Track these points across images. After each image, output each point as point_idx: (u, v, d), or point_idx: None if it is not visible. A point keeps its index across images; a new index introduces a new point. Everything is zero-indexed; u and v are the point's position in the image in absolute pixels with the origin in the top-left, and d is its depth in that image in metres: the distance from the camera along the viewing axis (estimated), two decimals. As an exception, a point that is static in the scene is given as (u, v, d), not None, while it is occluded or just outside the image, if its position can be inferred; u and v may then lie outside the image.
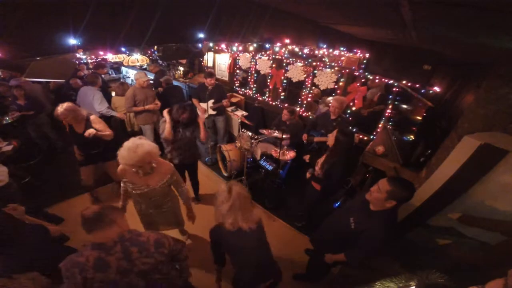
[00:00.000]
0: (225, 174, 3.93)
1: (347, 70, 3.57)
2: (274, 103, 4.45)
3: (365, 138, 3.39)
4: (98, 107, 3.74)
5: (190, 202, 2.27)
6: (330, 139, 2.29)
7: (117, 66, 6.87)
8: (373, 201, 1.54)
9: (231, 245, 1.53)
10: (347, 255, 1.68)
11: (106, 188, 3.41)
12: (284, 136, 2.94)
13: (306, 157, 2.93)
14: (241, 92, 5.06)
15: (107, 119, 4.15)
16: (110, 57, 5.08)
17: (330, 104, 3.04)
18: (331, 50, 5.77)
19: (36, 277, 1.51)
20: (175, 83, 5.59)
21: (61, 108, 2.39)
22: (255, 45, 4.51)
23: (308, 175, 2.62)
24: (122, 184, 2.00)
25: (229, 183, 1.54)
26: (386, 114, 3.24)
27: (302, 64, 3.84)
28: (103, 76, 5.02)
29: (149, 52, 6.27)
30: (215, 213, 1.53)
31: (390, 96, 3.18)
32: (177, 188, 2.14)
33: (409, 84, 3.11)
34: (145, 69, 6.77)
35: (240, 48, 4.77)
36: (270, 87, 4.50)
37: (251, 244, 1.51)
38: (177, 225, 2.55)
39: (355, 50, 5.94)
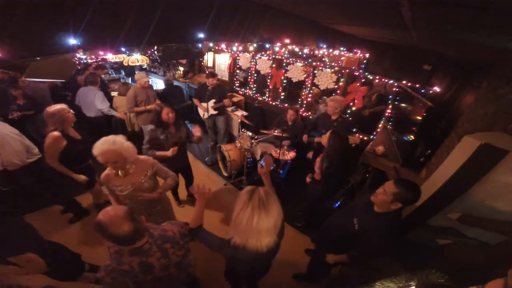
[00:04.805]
0: (225, 174, 3.93)
1: (347, 70, 3.57)
2: (274, 103, 4.45)
3: (365, 138, 3.39)
4: (100, 105, 3.76)
5: (170, 185, 2.11)
6: (324, 139, 2.32)
7: (117, 66, 6.87)
8: (378, 203, 1.53)
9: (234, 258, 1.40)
10: (350, 256, 1.68)
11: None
12: (284, 135, 2.94)
13: (310, 154, 2.95)
14: (241, 92, 5.06)
15: (107, 119, 4.16)
16: (110, 57, 5.07)
17: (328, 105, 3.04)
18: (331, 50, 5.76)
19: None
20: (175, 83, 5.60)
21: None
22: (255, 45, 4.50)
23: (308, 179, 2.62)
24: (107, 190, 1.92)
25: (253, 197, 1.22)
26: (386, 114, 3.24)
27: (302, 64, 3.84)
28: (103, 76, 5.03)
29: (149, 52, 6.27)
30: (233, 224, 1.26)
31: (390, 96, 3.19)
32: (164, 176, 2.05)
33: (409, 84, 3.11)
34: (144, 69, 6.79)
35: (240, 48, 4.77)
36: (270, 87, 4.50)
37: (256, 263, 1.43)
38: None
39: (355, 50, 5.94)
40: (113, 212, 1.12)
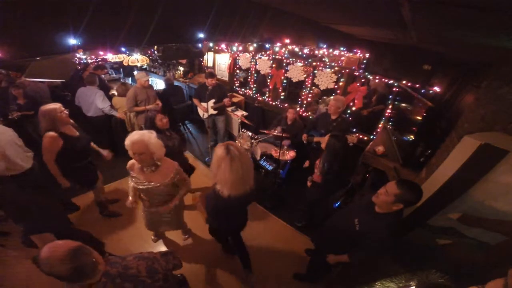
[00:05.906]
0: (225, 174, 3.92)
1: (347, 70, 3.57)
2: (274, 103, 4.45)
3: (365, 138, 3.39)
4: (101, 104, 3.76)
5: (182, 196, 2.18)
6: (323, 143, 2.32)
7: (117, 66, 6.87)
8: (380, 203, 1.53)
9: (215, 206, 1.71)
10: (351, 257, 1.68)
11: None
12: (284, 135, 2.95)
13: (306, 163, 2.96)
14: (241, 92, 5.06)
15: (107, 119, 4.16)
16: (110, 57, 5.07)
17: (330, 104, 3.04)
18: (331, 50, 5.76)
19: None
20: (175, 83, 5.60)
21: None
22: (255, 45, 4.50)
23: (308, 183, 2.62)
24: (129, 180, 2.00)
25: (230, 150, 1.47)
26: (386, 114, 3.24)
27: (302, 64, 3.84)
28: (102, 76, 5.02)
29: (149, 52, 6.27)
30: (213, 175, 1.56)
31: (390, 96, 3.19)
32: (180, 186, 2.11)
33: (409, 84, 3.11)
34: (144, 69, 6.78)
35: (240, 48, 4.77)
36: (270, 87, 4.50)
37: (233, 206, 1.65)
38: (178, 228, 2.55)
39: (355, 50, 5.93)
40: (51, 250, 0.98)
